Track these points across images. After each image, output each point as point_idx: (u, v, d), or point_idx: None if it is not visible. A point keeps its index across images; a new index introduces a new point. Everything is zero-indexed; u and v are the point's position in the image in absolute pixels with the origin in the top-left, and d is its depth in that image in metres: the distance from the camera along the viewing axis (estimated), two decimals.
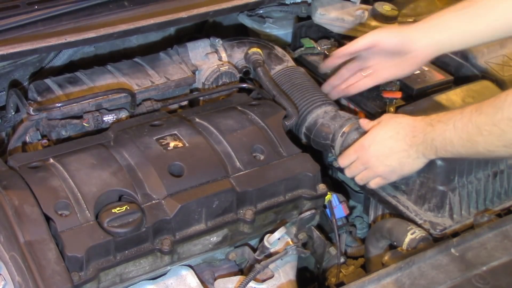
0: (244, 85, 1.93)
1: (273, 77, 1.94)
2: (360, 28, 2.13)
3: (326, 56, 2.05)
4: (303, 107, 1.84)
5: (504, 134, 1.40)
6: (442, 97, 1.80)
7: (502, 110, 1.38)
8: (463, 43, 1.72)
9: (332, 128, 1.78)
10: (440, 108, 1.76)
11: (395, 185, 1.73)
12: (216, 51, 2.00)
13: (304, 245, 1.69)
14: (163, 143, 1.59)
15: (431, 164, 1.65)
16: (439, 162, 1.64)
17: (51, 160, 1.54)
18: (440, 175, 1.66)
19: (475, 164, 1.70)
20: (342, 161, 1.72)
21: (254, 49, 1.98)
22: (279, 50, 2.03)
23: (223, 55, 2.00)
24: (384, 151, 1.61)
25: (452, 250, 1.48)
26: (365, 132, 1.69)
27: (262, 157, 1.63)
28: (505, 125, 1.39)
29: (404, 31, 1.72)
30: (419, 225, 1.65)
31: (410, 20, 2.11)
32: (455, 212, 1.69)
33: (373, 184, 1.70)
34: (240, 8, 1.97)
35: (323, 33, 2.19)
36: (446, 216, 1.68)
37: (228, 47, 2.02)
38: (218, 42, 2.01)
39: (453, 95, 1.81)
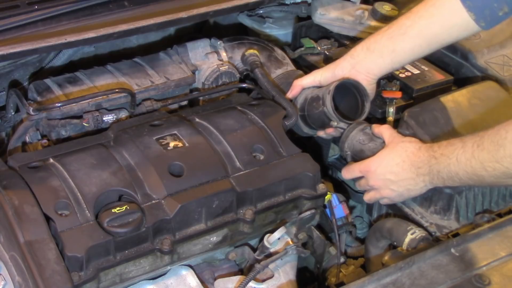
0: (244, 85, 1.93)
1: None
2: (360, 28, 2.13)
3: (326, 56, 2.05)
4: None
5: (508, 171, 1.42)
6: (448, 98, 1.80)
7: (504, 148, 1.40)
8: (387, 63, 1.73)
9: (320, 94, 1.74)
10: (446, 109, 1.76)
11: None
12: (218, 52, 2.00)
13: (304, 245, 1.69)
14: (163, 143, 1.59)
15: None
16: None
17: (51, 160, 1.54)
18: None
19: None
20: (345, 175, 1.73)
21: (251, 51, 1.98)
22: (278, 53, 2.03)
23: (223, 55, 2.01)
24: (390, 177, 1.62)
25: (452, 250, 1.48)
26: (367, 137, 1.69)
27: (262, 157, 1.63)
28: (508, 163, 1.40)
29: (337, 67, 1.75)
30: (419, 226, 1.65)
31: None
32: (462, 215, 1.69)
33: (381, 203, 1.73)
34: (240, 8, 1.97)
35: (323, 33, 2.19)
36: (452, 219, 1.68)
37: (229, 48, 2.02)
38: (220, 44, 2.00)
39: (459, 96, 1.81)
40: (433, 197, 1.68)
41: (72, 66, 1.99)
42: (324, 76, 1.78)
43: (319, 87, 1.80)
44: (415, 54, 1.73)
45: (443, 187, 1.59)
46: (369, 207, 1.88)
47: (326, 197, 1.67)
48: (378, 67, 1.73)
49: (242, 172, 1.59)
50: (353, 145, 1.71)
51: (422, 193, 1.63)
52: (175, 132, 1.63)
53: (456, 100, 1.79)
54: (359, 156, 1.74)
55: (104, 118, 1.76)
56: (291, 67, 2.00)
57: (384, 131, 1.68)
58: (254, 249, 1.65)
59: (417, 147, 1.59)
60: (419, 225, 1.65)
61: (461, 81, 1.94)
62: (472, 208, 1.70)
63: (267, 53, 2.01)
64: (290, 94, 1.84)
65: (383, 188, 1.64)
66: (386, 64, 1.73)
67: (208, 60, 1.98)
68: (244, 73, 1.97)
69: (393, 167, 1.61)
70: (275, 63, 1.99)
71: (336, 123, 1.72)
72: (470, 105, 1.77)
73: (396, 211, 1.74)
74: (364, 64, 1.72)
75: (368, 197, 1.71)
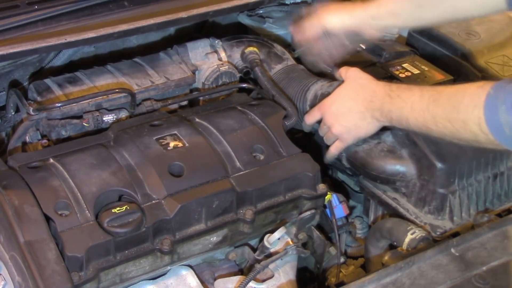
0: (244, 85, 1.93)
1: (273, 76, 1.94)
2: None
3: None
4: (301, 89, 1.85)
5: (457, 132, 1.42)
6: None
7: (458, 111, 1.40)
8: (410, 26, 1.93)
9: (330, 92, 1.75)
10: None
11: (395, 188, 1.74)
12: (216, 52, 1.99)
13: (304, 245, 1.69)
14: (163, 143, 1.59)
15: (431, 167, 1.65)
16: (439, 165, 1.64)
17: (51, 160, 1.54)
18: (440, 178, 1.66)
19: (475, 166, 1.70)
20: (306, 119, 1.77)
21: (251, 48, 1.97)
22: (278, 48, 2.03)
23: (223, 55, 2.01)
24: (342, 111, 1.65)
25: (452, 250, 1.48)
26: None
27: (262, 157, 1.63)
28: (459, 126, 1.41)
29: (352, 18, 1.75)
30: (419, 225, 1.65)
31: None
32: (455, 214, 1.69)
33: (334, 149, 1.73)
34: (240, 8, 1.97)
35: None
36: (446, 219, 1.68)
37: (228, 47, 2.02)
38: (218, 43, 2.01)
39: None
40: (426, 197, 1.68)
41: (72, 66, 1.99)
42: (336, 28, 1.76)
43: (327, 80, 1.81)
44: (438, 23, 1.88)
45: (389, 126, 1.63)
46: (366, 209, 1.88)
47: (326, 197, 1.67)
48: (398, 28, 1.90)
49: (242, 172, 1.59)
50: (348, 146, 1.73)
51: (368, 133, 1.65)
52: (175, 132, 1.63)
53: None
54: (354, 158, 1.75)
55: (104, 118, 1.76)
56: (291, 61, 2.00)
57: (343, 70, 1.72)
58: (254, 249, 1.65)
59: (374, 83, 1.63)
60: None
61: (461, 81, 1.94)
62: (466, 208, 1.70)
63: (266, 50, 2.01)
64: (305, 34, 1.80)
65: (335, 124, 1.67)
66: (407, 27, 1.90)
67: (208, 60, 1.98)
68: (244, 70, 1.96)
69: (347, 101, 1.65)
70: (275, 59, 1.99)
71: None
72: None
73: (391, 211, 1.74)
74: (387, 27, 1.81)
75: (325, 138, 1.74)
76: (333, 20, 1.76)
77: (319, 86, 1.82)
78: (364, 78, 1.66)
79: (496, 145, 1.37)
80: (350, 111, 1.64)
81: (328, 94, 1.74)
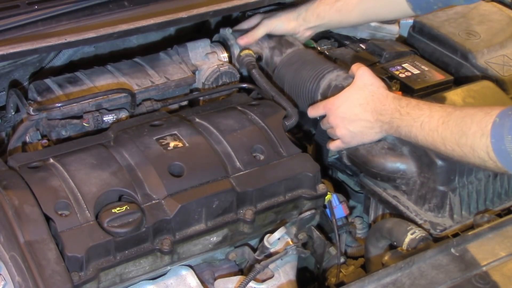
0: (244, 85, 1.93)
1: (285, 59, 1.96)
2: (360, 28, 2.13)
3: (326, 56, 2.05)
4: (315, 75, 1.85)
5: (465, 156, 1.47)
6: (442, 97, 1.80)
7: (467, 137, 1.44)
8: (334, 27, 2.11)
9: (344, 86, 1.76)
10: None
11: (395, 185, 1.74)
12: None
13: (304, 245, 1.69)
14: (163, 143, 1.59)
15: (431, 165, 1.65)
16: (439, 163, 1.64)
17: (51, 160, 1.54)
18: (441, 175, 1.66)
19: None
20: (309, 112, 1.80)
21: (246, 51, 1.98)
22: (289, 37, 2.03)
23: (223, 55, 2.01)
24: (350, 116, 1.68)
25: (452, 250, 1.48)
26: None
27: (262, 157, 1.63)
28: (467, 151, 1.45)
29: (288, 21, 1.99)
30: (419, 225, 1.65)
31: None
32: (456, 212, 1.69)
33: (333, 147, 1.77)
34: (240, 8, 1.97)
35: (323, 33, 2.19)
36: (447, 216, 1.68)
37: (238, 35, 2.01)
38: (228, 30, 2.02)
39: (454, 95, 1.80)
40: (427, 194, 1.68)
41: (72, 66, 1.99)
42: (277, 30, 2.00)
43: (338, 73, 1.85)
44: (357, 25, 2.09)
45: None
46: (366, 208, 1.88)
47: (326, 197, 1.67)
48: (324, 29, 2.06)
49: (242, 172, 1.59)
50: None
51: (373, 140, 1.70)
52: (175, 132, 1.63)
53: (451, 99, 1.78)
54: (354, 155, 1.75)
55: (104, 118, 1.76)
56: (302, 46, 2.01)
57: (355, 67, 1.74)
58: (254, 249, 1.65)
59: (385, 95, 1.65)
60: (413, 223, 1.65)
61: (461, 81, 1.94)
62: (466, 206, 1.70)
63: (277, 38, 2.02)
64: (243, 41, 1.99)
65: (340, 126, 1.70)
66: (332, 28, 2.09)
67: (208, 60, 1.98)
68: (257, 56, 2.02)
69: (356, 107, 1.67)
70: (287, 44, 2.00)
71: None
72: (464, 104, 1.77)
73: (391, 209, 1.74)
74: (314, 27, 2.01)
75: (328, 133, 1.78)
76: (275, 24, 1.99)
77: (334, 76, 1.82)
78: (374, 84, 1.68)
79: (504, 171, 1.43)
80: (357, 118, 1.67)
81: (342, 88, 1.75)
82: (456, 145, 1.47)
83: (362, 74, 1.71)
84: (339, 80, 1.80)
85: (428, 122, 1.53)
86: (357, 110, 1.66)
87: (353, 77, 1.74)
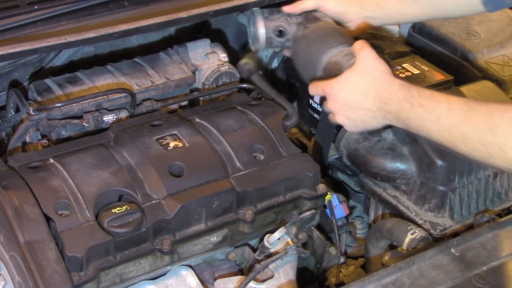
0: (244, 85, 1.93)
1: (303, 33, 1.75)
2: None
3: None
4: (319, 48, 1.67)
5: (490, 157, 1.31)
6: None
7: (494, 135, 1.28)
8: (393, 21, 1.92)
9: (342, 64, 1.60)
10: None
11: (395, 185, 1.74)
12: (216, 52, 1.99)
13: (304, 245, 1.69)
14: (163, 143, 1.59)
15: (431, 165, 1.65)
16: (439, 163, 1.64)
17: (51, 160, 1.54)
18: (441, 175, 1.66)
19: (475, 164, 1.70)
20: (310, 89, 1.63)
21: (245, 60, 1.97)
22: (318, 13, 1.81)
23: (223, 55, 2.01)
24: (349, 103, 1.51)
25: (452, 250, 1.48)
26: (362, 135, 1.65)
27: (262, 157, 1.63)
28: (493, 151, 1.30)
29: (343, 2, 1.78)
30: (419, 225, 1.65)
31: None
32: (455, 212, 1.69)
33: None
34: (240, 8, 1.97)
35: None
36: (446, 216, 1.68)
37: (268, 13, 1.83)
38: (257, 11, 1.82)
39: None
40: (427, 194, 1.68)
41: (72, 66, 1.99)
42: (327, 7, 1.77)
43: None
44: (418, 20, 1.91)
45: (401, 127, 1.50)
46: (366, 208, 1.88)
47: (326, 197, 1.67)
48: (381, 22, 1.84)
49: (242, 172, 1.59)
50: (348, 144, 1.72)
51: (375, 128, 1.55)
52: (175, 132, 1.63)
53: None
54: (354, 155, 1.74)
55: (104, 118, 1.76)
56: (329, 21, 1.79)
57: (358, 45, 1.56)
58: (254, 249, 1.65)
59: (390, 81, 1.47)
60: (413, 223, 1.65)
61: (461, 81, 1.94)
62: (466, 206, 1.70)
63: (306, 13, 1.81)
64: (287, 8, 1.78)
65: (340, 113, 1.54)
66: (390, 22, 1.90)
67: (209, 60, 1.98)
68: (279, 29, 1.79)
69: (355, 93, 1.50)
70: (312, 19, 1.78)
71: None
72: None
73: (391, 209, 1.74)
74: (370, 17, 1.77)
75: (329, 117, 1.61)
76: (328, 0, 1.77)
77: (336, 51, 1.64)
78: (377, 69, 1.49)
79: None
80: (358, 106, 1.50)
81: (339, 65, 1.60)
82: (479, 144, 1.30)
83: (365, 56, 1.52)
84: (339, 56, 1.62)
85: (446, 116, 1.35)
86: (358, 97, 1.49)
87: (354, 59, 1.57)
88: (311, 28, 1.73)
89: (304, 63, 1.71)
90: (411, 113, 1.41)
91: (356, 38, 1.63)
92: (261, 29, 1.77)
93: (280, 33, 1.78)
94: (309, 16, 1.78)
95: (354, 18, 1.77)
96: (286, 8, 1.77)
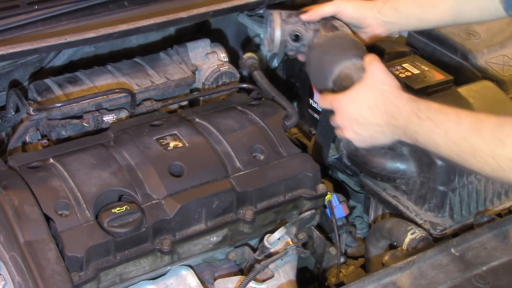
0: (244, 85, 1.93)
1: (318, 41, 1.74)
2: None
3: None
4: (332, 60, 1.66)
5: (501, 170, 1.29)
6: (442, 97, 1.80)
7: (504, 147, 1.26)
8: (412, 27, 1.91)
9: (354, 77, 1.58)
10: None
11: (395, 185, 1.74)
12: (216, 52, 1.99)
13: (304, 245, 1.69)
14: (163, 143, 1.59)
15: (431, 165, 1.65)
16: (439, 163, 1.64)
17: (51, 160, 1.54)
18: (441, 175, 1.66)
19: None
20: (319, 101, 1.63)
21: (249, 54, 1.97)
22: (336, 21, 1.79)
23: (223, 55, 2.01)
24: (357, 119, 1.49)
25: (452, 250, 1.48)
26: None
27: (262, 157, 1.63)
28: (504, 164, 1.27)
29: (362, 7, 1.75)
30: (419, 225, 1.65)
31: None
32: (455, 212, 1.69)
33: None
34: (240, 8, 1.97)
35: None
36: (446, 216, 1.68)
37: (284, 14, 1.80)
38: (275, 12, 1.79)
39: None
40: (427, 194, 1.68)
41: (72, 66, 1.99)
42: (346, 12, 1.75)
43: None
44: (438, 25, 1.87)
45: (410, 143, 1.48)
46: (366, 208, 1.88)
47: (326, 197, 1.67)
48: (399, 28, 1.84)
49: (242, 172, 1.59)
50: (348, 144, 1.72)
51: (384, 144, 1.54)
52: (175, 132, 1.63)
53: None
54: (354, 155, 1.74)
55: (104, 118, 1.76)
56: (346, 32, 1.78)
57: (368, 59, 1.55)
58: (254, 249, 1.65)
59: (398, 95, 1.45)
60: (413, 222, 1.65)
61: (461, 81, 1.94)
62: (466, 206, 1.70)
63: (323, 20, 1.79)
64: (306, 16, 1.74)
65: (348, 129, 1.52)
66: (408, 28, 1.91)
67: (208, 60, 1.98)
68: (295, 34, 1.76)
69: (363, 109, 1.48)
70: (330, 28, 1.76)
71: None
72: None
73: (391, 209, 1.74)
74: (388, 23, 1.75)
75: (337, 133, 1.60)
76: (346, 6, 1.74)
77: (349, 64, 1.63)
78: (385, 83, 1.48)
79: None
80: (366, 121, 1.48)
81: (350, 78, 1.59)
82: (489, 157, 1.28)
83: (374, 70, 1.51)
84: (352, 69, 1.61)
85: (454, 129, 1.33)
86: (366, 112, 1.47)
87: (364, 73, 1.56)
88: (327, 37, 1.72)
89: (315, 72, 1.70)
90: (419, 127, 1.40)
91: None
92: (277, 31, 1.75)
93: (296, 38, 1.76)
94: (327, 24, 1.76)
95: (373, 23, 1.74)
96: (305, 16, 1.74)
